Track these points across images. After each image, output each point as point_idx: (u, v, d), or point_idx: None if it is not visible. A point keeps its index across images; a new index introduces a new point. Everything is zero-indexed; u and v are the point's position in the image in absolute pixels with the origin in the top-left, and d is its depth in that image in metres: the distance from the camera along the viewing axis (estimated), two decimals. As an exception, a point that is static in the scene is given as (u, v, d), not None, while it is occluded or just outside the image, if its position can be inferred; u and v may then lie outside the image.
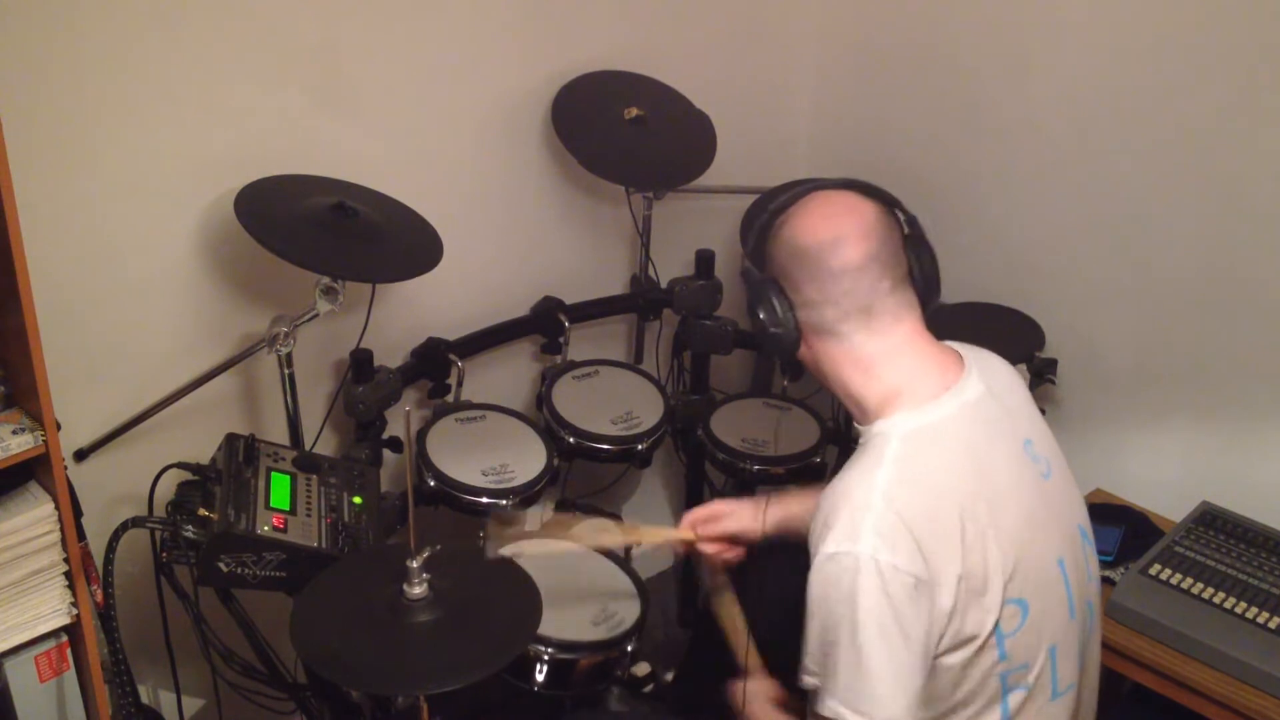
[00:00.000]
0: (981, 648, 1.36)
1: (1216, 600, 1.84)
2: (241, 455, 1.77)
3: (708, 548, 1.76)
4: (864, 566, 1.30)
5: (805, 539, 1.41)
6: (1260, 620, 1.80)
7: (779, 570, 1.66)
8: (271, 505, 1.71)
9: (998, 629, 1.36)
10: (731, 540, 1.75)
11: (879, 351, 1.43)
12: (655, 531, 1.86)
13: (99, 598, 1.64)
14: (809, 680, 1.38)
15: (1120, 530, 2.07)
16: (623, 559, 2.09)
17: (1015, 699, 1.42)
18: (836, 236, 1.40)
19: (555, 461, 2.13)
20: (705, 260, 2.47)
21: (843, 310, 1.41)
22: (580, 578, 2.01)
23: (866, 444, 1.42)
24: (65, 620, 1.59)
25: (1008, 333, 2.28)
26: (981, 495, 1.37)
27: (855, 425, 1.48)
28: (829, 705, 1.33)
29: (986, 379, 1.46)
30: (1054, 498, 1.47)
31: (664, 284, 2.52)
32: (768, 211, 1.49)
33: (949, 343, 1.49)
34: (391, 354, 2.21)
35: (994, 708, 1.41)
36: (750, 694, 1.60)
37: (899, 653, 1.31)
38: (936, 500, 1.35)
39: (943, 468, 1.38)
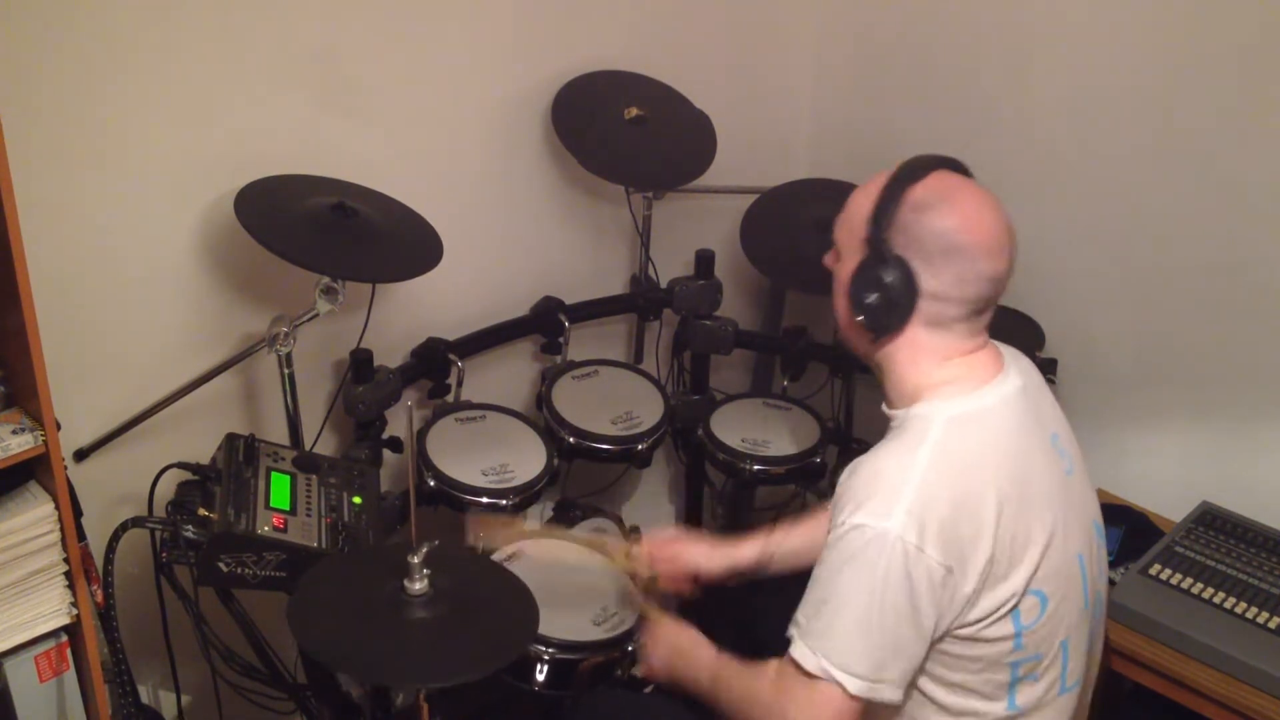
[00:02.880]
0: (993, 627, 1.37)
1: (1216, 600, 1.84)
2: (241, 455, 1.77)
3: (666, 583, 1.79)
4: (891, 545, 1.30)
5: (796, 571, 1.41)
6: (1260, 620, 1.80)
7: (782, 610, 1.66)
8: (271, 505, 1.71)
9: (1016, 620, 1.37)
10: (686, 575, 1.77)
11: (963, 348, 1.43)
12: (619, 549, 1.89)
13: (99, 598, 1.64)
14: (791, 630, 1.38)
15: (1120, 530, 2.07)
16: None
17: (1024, 691, 1.42)
18: (997, 244, 1.39)
19: (555, 461, 2.13)
20: (705, 260, 2.47)
21: (967, 310, 1.41)
22: (580, 578, 2.01)
23: (905, 425, 1.42)
24: (65, 620, 1.59)
25: (1008, 333, 2.25)
26: (1017, 484, 1.38)
27: (885, 410, 1.48)
28: (819, 662, 1.34)
29: (1023, 375, 1.48)
30: (1076, 493, 1.48)
31: (664, 284, 2.52)
32: (909, 188, 1.41)
33: (993, 341, 1.51)
34: (391, 354, 2.21)
35: (1001, 696, 1.42)
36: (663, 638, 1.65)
37: (906, 632, 1.33)
38: (974, 486, 1.35)
39: (982, 454, 1.38)
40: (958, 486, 1.34)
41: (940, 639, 1.37)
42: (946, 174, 1.42)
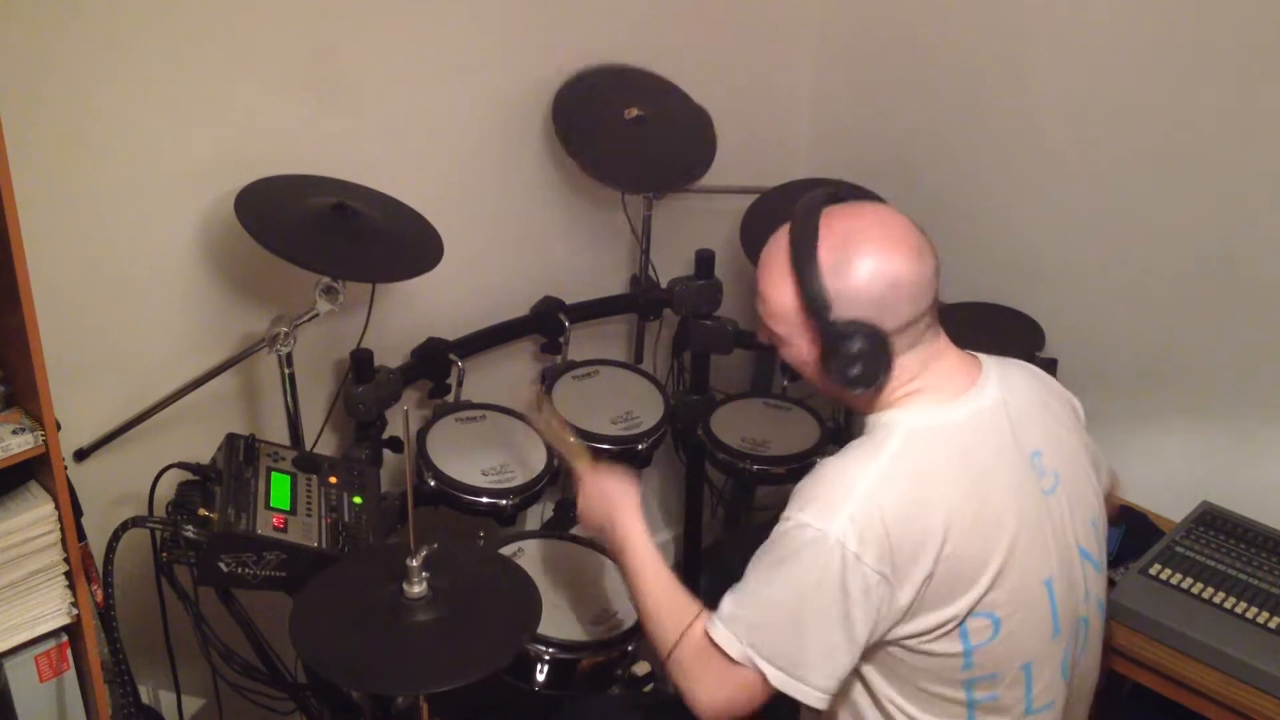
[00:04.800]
0: (938, 643, 1.37)
1: (1216, 600, 1.84)
2: (242, 455, 1.77)
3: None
4: (830, 549, 1.31)
5: None
6: (1260, 620, 1.80)
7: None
8: (271, 505, 1.71)
9: (964, 638, 1.37)
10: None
11: (928, 355, 1.42)
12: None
13: (99, 598, 1.64)
14: (721, 608, 1.39)
15: (1120, 530, 2.07)
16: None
17: (984, 711, 1.42)
18: (915, 251, 1.36)
19: (555, 462, 2.13)
20: (705, 260, 2.47)
21: (928, 319, 1.40)
22: (580, 578, 2.01)
23: (872, 431, 1.42)
24: (65, 620, 1.59)
25: (1008, 333, 2.28)
26: (972, 504, 1.36)
27: (863, 411, 1.47)
28: (743, 651, 1.35)
29: (1003, 388, 1.45)
30: (1055, 514, 1.45)
31: (664, 284, 2.52)
32: (815, 255, 1.36)
33: (975, 353, 1.49)
34: (391, 354, 2.21)
35: (960, 716, 1.41)
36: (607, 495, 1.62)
37: (835, 637, 1.33)
38: (923, 503, 1.34)
39: (938, 473, 1.37)
40: (906, 499, 1.33)
41: (882, 647, 1.37)
42: (830, 211, 1.39)
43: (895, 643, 1.37)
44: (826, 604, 1.32)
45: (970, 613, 1.36)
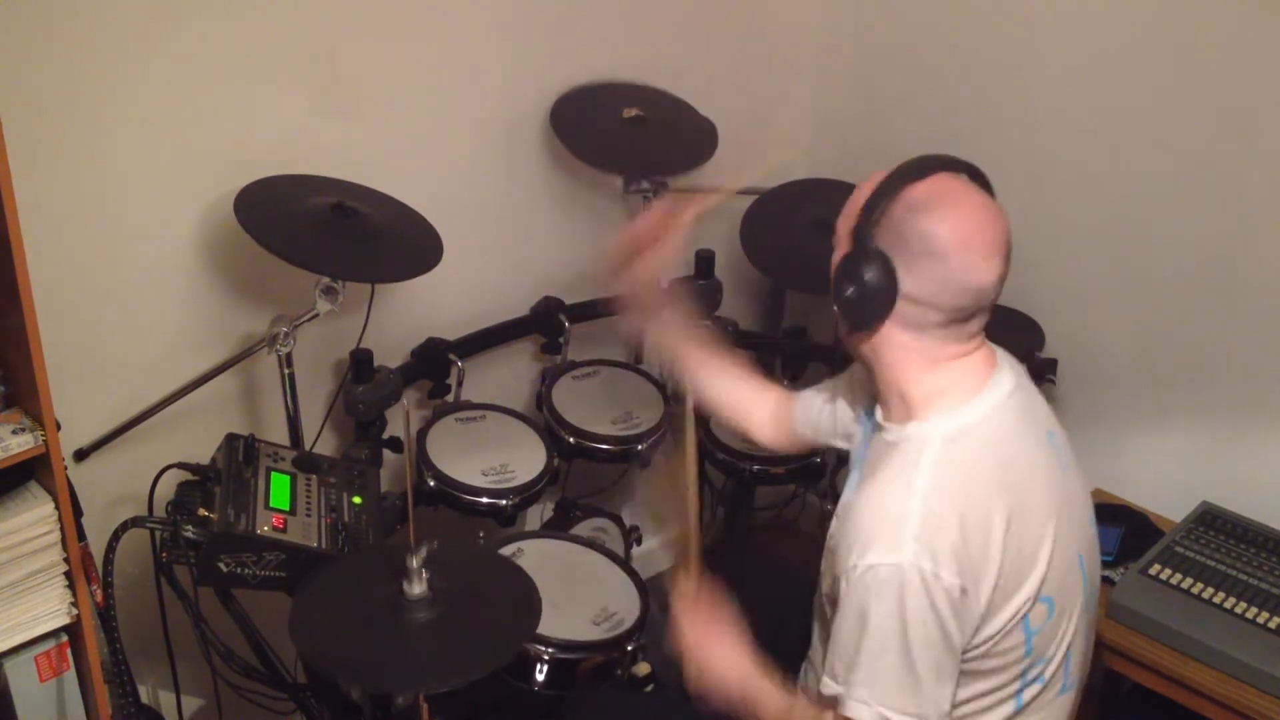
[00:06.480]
0: (1005, 639, 1.37)
1: (1216, 600, 1.84)
2: (241, 455, 1.77)
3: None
4: (909, 578, 1.29)
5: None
6: (1260, 620, 1.80)
7: (758, 572, 1.64)
8: (271, 505, 1.71)
9: (1026, 625, 1.37)
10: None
11: (952, 354, 1.40)
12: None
13: (99, 598, 1.64)
14: (833, 686, 1.35)
15: (1120, 530, 2.07)
16: (622, 559, 2.09)
17: (1030, 692, 1.43)
18: (986, 257, 1.34)
19: (555, 461, 2.13)
20: (705, 260, 2.47)
21: (947, 316, 1.36)
22: (580, 577, 2.01)
23: (899, 446, 1.40)
24: (65, 620, 1.59)
25: (1008, 333, 2.26)
26: (1018, 495, 1.36)
27: (881, 421, 1.45)
28: (877, 711, 1.32)
29: (1015, 372, 1.46)
30: (1073, 490, 1.47)
31: (664, 284, 2.51)
32: (909, 185, 1.37)
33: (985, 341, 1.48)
34: (391, 354, 2.21)
35: (1010, 698, 1.42)
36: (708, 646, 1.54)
37: (943, 657, 1.32)
38: (977, 503, 1.33)
39: (981, 469, 1.36)
40: (961, 505, 1.32)
41: (964, 653, 1.37)
42: (951, 176, 1.38)
43: (969, 649, 1.36)
44: (928, 634, 1.30)
45: (1035, 599, 1.36)
